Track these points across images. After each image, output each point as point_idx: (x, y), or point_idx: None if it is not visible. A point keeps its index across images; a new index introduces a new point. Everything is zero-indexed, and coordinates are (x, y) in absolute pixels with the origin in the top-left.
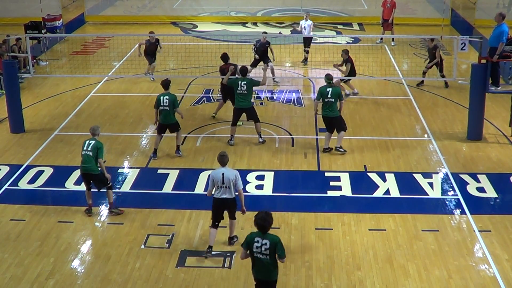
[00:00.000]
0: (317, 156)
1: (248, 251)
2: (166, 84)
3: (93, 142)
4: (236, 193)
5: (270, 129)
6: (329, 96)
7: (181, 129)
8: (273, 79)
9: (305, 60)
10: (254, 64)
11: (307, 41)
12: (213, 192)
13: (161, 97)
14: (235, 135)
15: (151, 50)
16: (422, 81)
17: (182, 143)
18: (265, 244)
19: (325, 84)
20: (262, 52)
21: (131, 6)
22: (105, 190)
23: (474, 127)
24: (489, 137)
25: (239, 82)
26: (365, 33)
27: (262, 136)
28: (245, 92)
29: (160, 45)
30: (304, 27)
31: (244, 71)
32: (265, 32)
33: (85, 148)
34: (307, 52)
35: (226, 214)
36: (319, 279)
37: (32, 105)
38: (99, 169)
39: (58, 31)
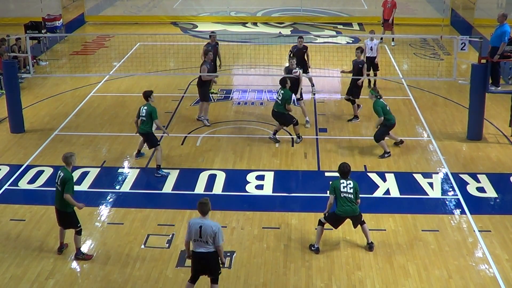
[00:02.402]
0: (317, 156)
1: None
2: (145, 95)
3: (62, 174)
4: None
5: (270, 129)
6: (388, 108)
7: (159, 149)
8: (312, 89)
9: (374, 86)
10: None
11: (373, 64)
12: (191, 244)
13: (141, 108)
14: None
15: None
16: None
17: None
18: (349, 184)
19: (376, 98)
20: (300, 58)
21: (131, 6)
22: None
23: (474, 127)
24: (489, 137)
25: (278, 90)
26: (365, 33)
27: (275, 136)
28: (280, 102)
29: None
30: (371, 47)
31: (283, 82)
32: (301, 37)
33: (56, 181)
34: (375, 74)
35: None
36: (319, 279)
37: (32, 105)
38: (71, 206)
39: (58, 31)
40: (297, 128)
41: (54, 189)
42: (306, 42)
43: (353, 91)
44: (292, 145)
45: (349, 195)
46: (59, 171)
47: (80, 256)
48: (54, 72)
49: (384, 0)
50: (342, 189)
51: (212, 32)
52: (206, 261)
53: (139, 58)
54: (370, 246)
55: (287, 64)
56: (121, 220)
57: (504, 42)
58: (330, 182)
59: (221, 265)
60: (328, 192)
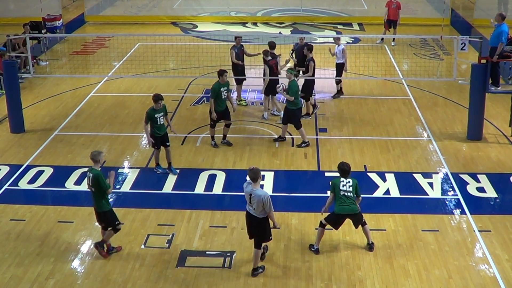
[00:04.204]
0: (317, 156)
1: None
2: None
3: (91, 174)
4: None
5: (270, 129)
6: (298, 93)
7: (159, 150)
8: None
9: (337, 94)
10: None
11: (338, 69)
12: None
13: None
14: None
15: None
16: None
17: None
18: (349, 182)
19: (294, 77)
20: (301, 56)
21: (131, 6)
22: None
23: (474, 127)
24: (489, 137)
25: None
26: (365, 33)
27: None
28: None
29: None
30: (336, 53)
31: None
32: (302, 38)
33: (88, 182)
34: (337, 82)
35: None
36: (319, 279)
37: (32, 105)
38: (108, 205)
39: (58, 31)
40: (213, 130)
41: (56, 189)
42: (306, 42)
43: (303, 89)
44: (292, 145)
45: (349, 193)
46: (88, 172)
47: (111, 252)
48: (54, 72)
49: (389, 1)
50: (341, 188)
51: (238, 36)
52: (253, 223)
53: (139, 58)
54: (370, 247)
55: (289, 65)
56: (121, 220)
57: (502, 42)
58: (330, 182)
59: (276, 228)
60: (328, 191)
